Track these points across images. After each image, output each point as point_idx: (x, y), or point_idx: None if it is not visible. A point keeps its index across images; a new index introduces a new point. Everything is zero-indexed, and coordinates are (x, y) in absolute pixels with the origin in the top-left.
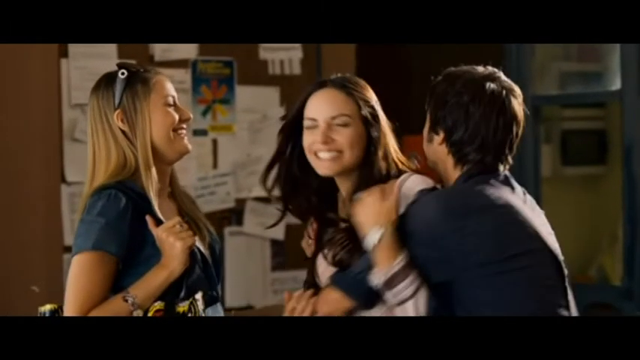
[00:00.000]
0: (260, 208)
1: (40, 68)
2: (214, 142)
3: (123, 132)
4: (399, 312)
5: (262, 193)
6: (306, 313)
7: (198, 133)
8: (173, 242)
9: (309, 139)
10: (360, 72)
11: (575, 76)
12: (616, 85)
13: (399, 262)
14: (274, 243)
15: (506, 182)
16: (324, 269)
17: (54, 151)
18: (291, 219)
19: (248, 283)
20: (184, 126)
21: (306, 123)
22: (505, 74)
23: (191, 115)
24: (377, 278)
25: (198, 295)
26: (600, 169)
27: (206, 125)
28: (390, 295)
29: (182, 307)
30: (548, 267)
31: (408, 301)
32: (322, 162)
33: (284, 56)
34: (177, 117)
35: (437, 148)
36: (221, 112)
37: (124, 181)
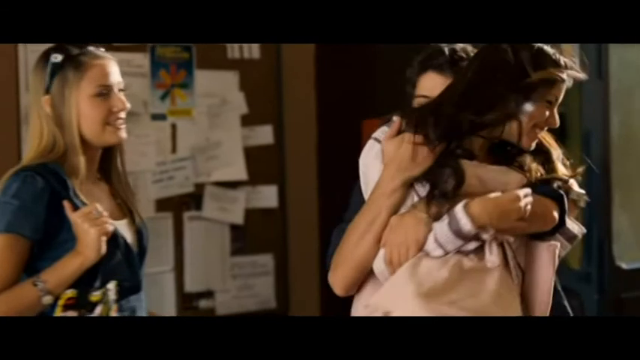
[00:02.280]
0: (219, 193)
1: None
2: (173, 126)
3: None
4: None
5: (222, 178)
6: (526, 209)
7: (156, 117)
8: (87, 229)
9: (543, 112)
10: (319, 55)
11: None
12: None
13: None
14: (233, 228)
15: None
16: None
17: (11, 136)
18: (251, 204)
19: (207, 268)
20: (121, 116)
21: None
22: None
23: (126, 105)
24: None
25: (111, 285)
26: None
27: (165, 110)
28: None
29: (95, 296)
30: None
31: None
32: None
33: None
34: (107, 108)
35: None
36: (180, 96)
37: (47, 164)
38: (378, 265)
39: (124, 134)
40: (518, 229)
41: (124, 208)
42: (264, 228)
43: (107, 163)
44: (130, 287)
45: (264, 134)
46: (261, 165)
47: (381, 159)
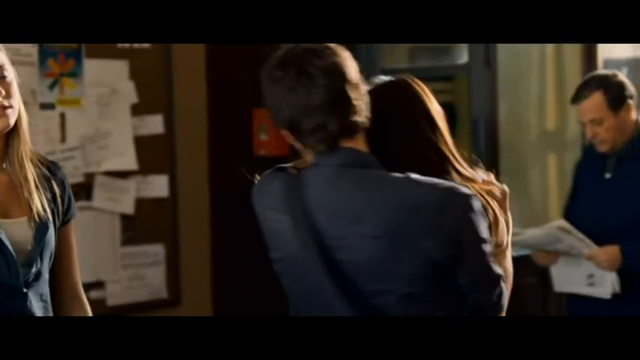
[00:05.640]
0: (109, 183)
1: None
2: (62, 115)
3: None
4: None
5: (112, 168)
6: None
7: (45, 106)
8: None
9: None
10: (209, 45)
11: (424, 50)
12: (463, 58)
13: None
14: (124, 218)
15: None
16: None
17: None
18: (141, 194)
19: (98, 258)
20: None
21: None
22: (355, 49)
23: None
24: None
25: None
26: None
27: (53, 99)
28: None
29: None
30: None
31: None
32: None
33: None
34: None
35: None
36: (69, 85)
37: None
38: None
39: (6, 122)
40: None
41: (23, 203)
42: (155, 218)
43: (8, 153)
44: (10, 288)
45: (154, 124)
46: (152, 154)
47: None
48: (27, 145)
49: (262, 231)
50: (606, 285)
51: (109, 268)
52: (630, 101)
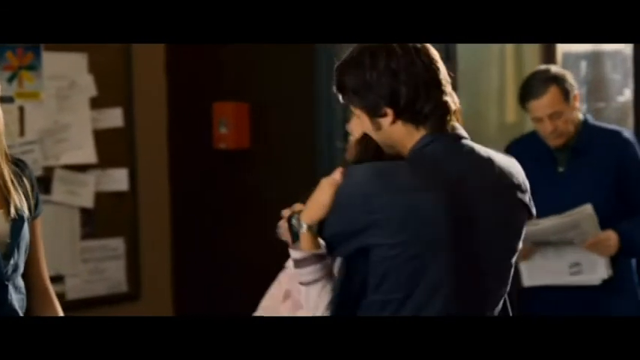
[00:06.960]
0: (69, 177)
1: None
2: (21, 109)
3: None
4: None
5: (71, 161)
6: None
7: (3, 100)
8: None
9: None
10: None
11: None
12: None
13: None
14: (83, 211)
15: None
16: None
17: None
18: (101, 187)
19: (57, 252)
20: None
21: None
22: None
23: None
24: None
25: None
26: None
27: (12, 92)
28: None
29: None
30: None
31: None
32: None
33: None
34: None
35: None
36: (27, 78)
37: None
38: None
39: None
40: None
41: (1, 198)
42: (114, 211)
43: None
44: None
45: (113, 117)
46: (111, 148)
47: None
48: (2, 142)
49: (378, 220)
50: (599, 271)
51: (69, 262)
52: (577, 91)
